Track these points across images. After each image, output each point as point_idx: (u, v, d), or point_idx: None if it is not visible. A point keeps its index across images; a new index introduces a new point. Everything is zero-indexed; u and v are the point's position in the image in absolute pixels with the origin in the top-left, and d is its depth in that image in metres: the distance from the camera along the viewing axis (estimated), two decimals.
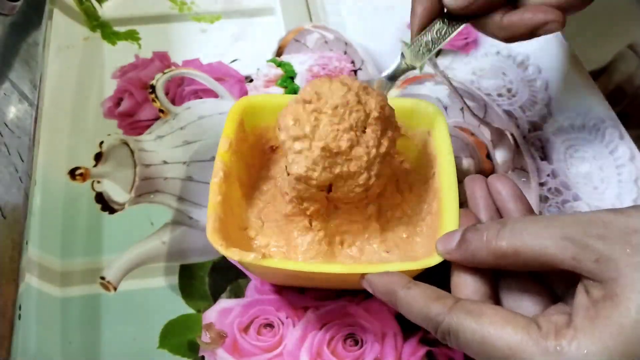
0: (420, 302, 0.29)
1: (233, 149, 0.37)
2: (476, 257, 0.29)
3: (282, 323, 0.38)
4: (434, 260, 0.31)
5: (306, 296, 0.39)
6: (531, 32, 0.35)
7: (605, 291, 0.25)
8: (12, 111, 0.45)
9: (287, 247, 0.37)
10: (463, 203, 0.35)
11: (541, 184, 0.45)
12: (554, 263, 0.27)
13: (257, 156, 0.41)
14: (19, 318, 0.37)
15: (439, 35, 0.37)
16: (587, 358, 0.25)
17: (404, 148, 0.41)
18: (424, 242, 0.37)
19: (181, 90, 0.50)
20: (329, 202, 0.36)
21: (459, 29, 0.37)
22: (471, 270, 0.30)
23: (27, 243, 0.40)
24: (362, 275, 0.32)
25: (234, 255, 0.32)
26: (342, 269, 0.32)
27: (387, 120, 0.35)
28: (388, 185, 0.38)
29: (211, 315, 0.38)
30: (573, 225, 0.27)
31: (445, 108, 0.49)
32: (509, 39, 0.36)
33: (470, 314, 0.27)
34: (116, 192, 0.43)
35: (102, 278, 0.39)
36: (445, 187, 0.35)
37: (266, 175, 0.40)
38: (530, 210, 0.34)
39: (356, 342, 0.37)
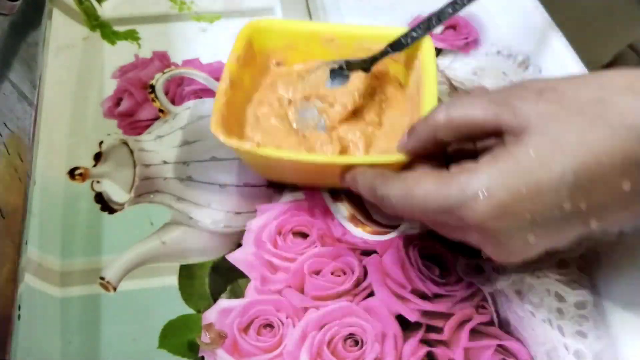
0: (369, 178, 0.35)
1: (240, 63, 0.42)
2: (421, 138, 0.34)
3: (282, 323, 0.38)
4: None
5: (306, 296, 0.39)
6: None
7: (515, 138, 0.29)
8: (12, 111, 0.45)
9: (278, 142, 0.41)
10: None
11: None
12: (481, 123, 0.31)
13: (263, 70, 0.46)
14: (19, 318, 0.37)
15: None
16: (481, 186, 0.29)
17: (396, 70, 0.46)
18: None
19: (181, 90, 0.50)
20: None
21: None
22: (424, 162, 0.35)
23: (26, 243, 0.40)
24: (343, 171, 0.37)
25: (233, 143, 0.37)
26: (328, 159, 0.38)
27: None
28: (372, 104, 0.44)
29: (211, 315, 0.38)
30: (499, 92, 0.32)
31: None
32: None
33: (399, 177, 0.33)
34: (116, 192, 0.43)
35: (102, 278, 0.39)
36: (426, 101, 0.39)
37: (266, 83, 0.45)
38: None
39: (356, 343, 0.37)
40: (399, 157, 0.36)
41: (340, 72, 0.44)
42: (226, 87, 0.40)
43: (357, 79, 0.43)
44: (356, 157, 0.40)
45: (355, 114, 0.42)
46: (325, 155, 0.39)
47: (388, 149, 0.41)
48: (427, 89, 0.40)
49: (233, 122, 0.40)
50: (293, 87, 0.44)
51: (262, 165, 0.41)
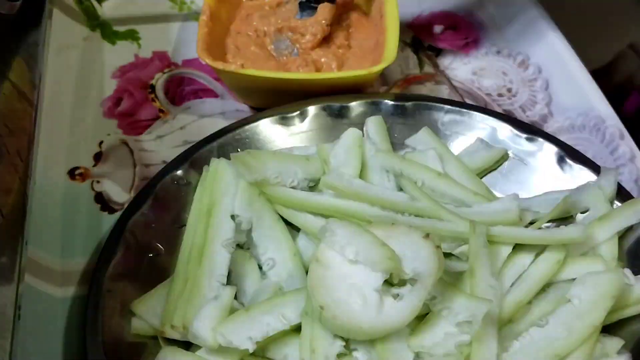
0: None
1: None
2: None
3: None
4: (377, 68, 0.42)
5: None
6: None
7: None
8: (12, 111, 0.45)
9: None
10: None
11: None
12: None
13: (236, 4, 0.50)
14: (19, 318, 0.37)
15: None
16: None
17: (359, 1, 0.51)
18: (371, 65, 0.45)
19: (181, 90, 0.50)
20: None
21: None
22: None
23: (27, 243, 0.40)
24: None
25: (219, 65, 0.42)
26: (306, 76, 0.43)
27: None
28: (341, 29, 0.49)
29: None
30: None
31: None
32: None
33: None
34: (116, 192, 0.43)
35: None
36: (389, 25, 0.45)
37: (241, 16, 0.49)
38: None
39: None
40: (369, 70, 0.42)
41: (308, 4, 0.48)
42: (207, 19, 0.45)
43: (324, 9, 0.47)
44: (330, 73, 0.45)
45: (326, 39, 0.48)
46: (303, 73, 0.44)
47: (359, 67, 0.46)
48: (389, 13, 0.46)
49: (215, 52, 0.45)
50: (267, 19, 0.48)
51: (245, 87, 0.46)
